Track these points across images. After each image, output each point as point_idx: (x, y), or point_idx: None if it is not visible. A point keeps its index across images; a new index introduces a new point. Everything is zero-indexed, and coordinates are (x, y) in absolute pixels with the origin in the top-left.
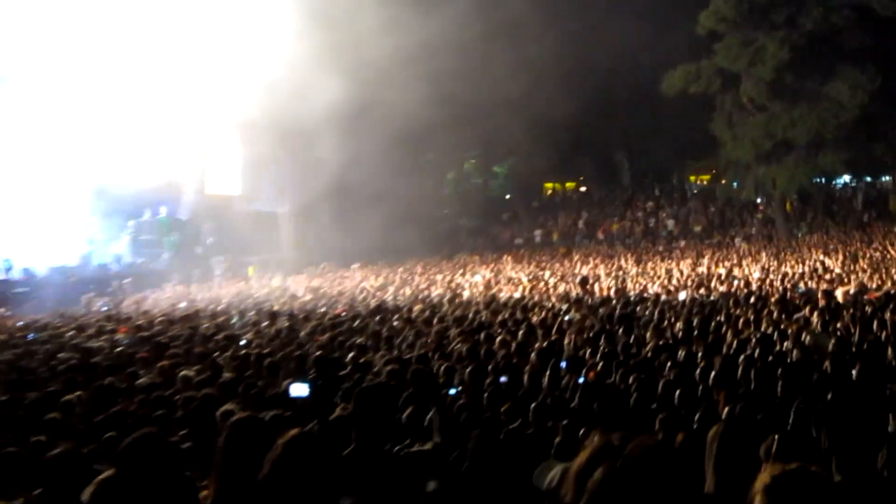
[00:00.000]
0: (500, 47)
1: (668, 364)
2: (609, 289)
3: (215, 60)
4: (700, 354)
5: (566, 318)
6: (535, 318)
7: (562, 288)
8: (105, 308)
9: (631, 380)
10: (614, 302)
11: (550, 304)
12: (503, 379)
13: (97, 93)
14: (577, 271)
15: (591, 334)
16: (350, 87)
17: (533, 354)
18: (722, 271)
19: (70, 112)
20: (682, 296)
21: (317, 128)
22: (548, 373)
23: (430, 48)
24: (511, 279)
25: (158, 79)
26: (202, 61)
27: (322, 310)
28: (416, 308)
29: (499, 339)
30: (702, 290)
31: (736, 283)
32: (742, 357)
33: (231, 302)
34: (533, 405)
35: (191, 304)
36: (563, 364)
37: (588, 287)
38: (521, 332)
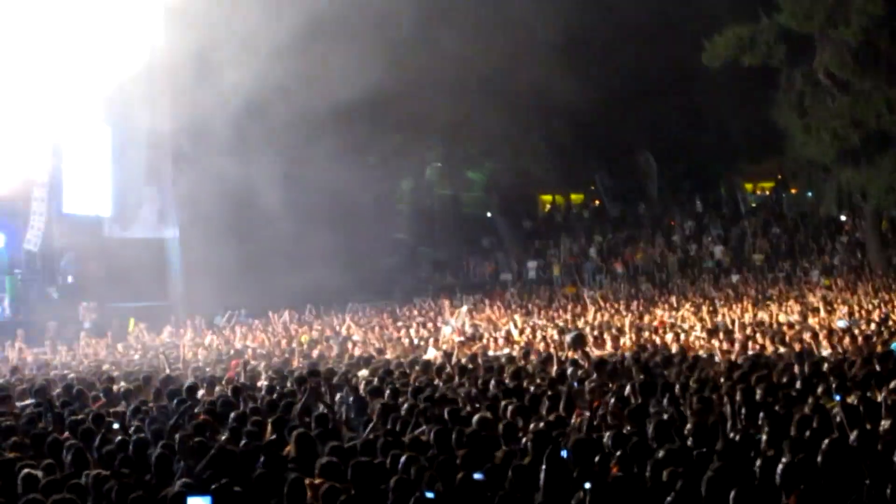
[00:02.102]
0: (475, 5)
1: (717, 454)
2: (632, 345)
3: (78, 41)
4: (763, 439)
5: (574, 384)
6: (530, 388)
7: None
8: None
9: (666, 477)
10: (639, 365)
11: (551, 367)
12: (478, 476)
13: None
14: (589, 319)
15: (609, 409)
16: (258, 67)
17: (525, 439)
18: (792, 318)
19: None
20: (734, 355)
21: (214, 123)
22: (543, 467)
23: (372, 8)
24: (495, 331)
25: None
26: (60, 43)
27: (226, 375)
28: (362, 374)
29: (477, 417)
30: (765, 347)
31: (811, 335)
32: (826, 445)
33: (101, 366)
34: None
35: (42, 368)
36: (565, 453)
37: (585, 348)
38: (509, 409)
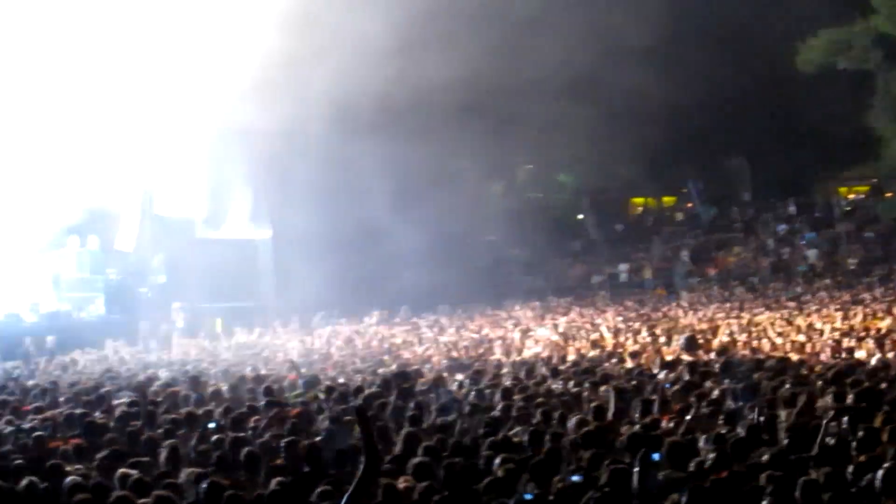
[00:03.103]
0: (566, 9)
1: (813, 458)
2: (724, 348)
3: (177, 56)
4: (853, 444)
5: (666, 386)
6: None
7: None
8: (15, 377)
9: (763, 481)
10: (734, 368)
11: (642, 369)
12: (576, 478)
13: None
14: (683, 323)
15: (703, 411)
16: (353, 70)
17: (618, 442)
18: (883, 324)
19: None
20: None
21: (307, 125)
22: (636, 469)
23: (465, 15)
24: (586, 334)
25: (97, 72)
26: (159, 56)
27: (325, 375)
28: (456, 377)
29: (574, 420)
30: (856, 351)
31: None
32: None
33: (196, 365)
34: None
35: (135, 367)
36: (656, 456)
37: (698, 352)
38: (603, 410)
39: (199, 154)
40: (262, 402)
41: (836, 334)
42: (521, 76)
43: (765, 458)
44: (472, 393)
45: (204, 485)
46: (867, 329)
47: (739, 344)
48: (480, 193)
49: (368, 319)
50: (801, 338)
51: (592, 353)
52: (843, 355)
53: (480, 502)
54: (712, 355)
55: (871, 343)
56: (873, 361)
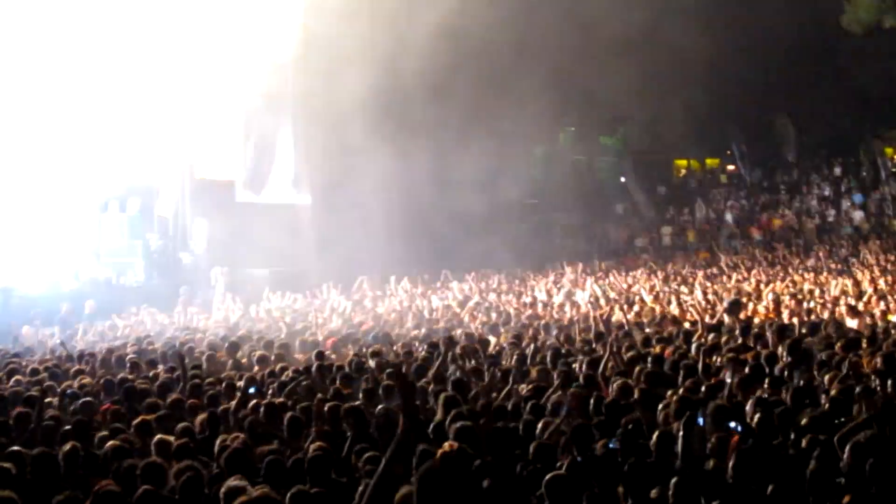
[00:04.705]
0: None
1: (859, 421)
2: (772, 311)
3: (218, 21)
4: None
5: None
6: (665, 352)
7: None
8: (55, 342)
9: (805, 444)
10: (780, 332)
11: (687, 332)
12: (613, 444)
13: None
14: (729, 284)
15: (747, 374)
16: (391, 41)
17: (662, 406)
18: None
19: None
20: (870, 319)
21: (350, 93)
22: (681, 433)
23: None
24: (630, 296)
25: (138, 38)
26: (199, 22)
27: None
28: (496, 339)
29: (617, 384)
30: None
31: None
32: None
33: (234, 331)
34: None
35: (177, 333)
36: (701, 420)
37: (742, 315)
38: (644, 374)
39: (239, 118)
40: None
41: (880, 297)
42: (563, 37)
43: (804, 421)
44: (514, 356)
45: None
46: None
47: (784, 308)
48: (523, 156)
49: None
50: (848, 301)
51: (634, 317)
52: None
53: (524, 467)
54: (756, 320)
55: None
56: None
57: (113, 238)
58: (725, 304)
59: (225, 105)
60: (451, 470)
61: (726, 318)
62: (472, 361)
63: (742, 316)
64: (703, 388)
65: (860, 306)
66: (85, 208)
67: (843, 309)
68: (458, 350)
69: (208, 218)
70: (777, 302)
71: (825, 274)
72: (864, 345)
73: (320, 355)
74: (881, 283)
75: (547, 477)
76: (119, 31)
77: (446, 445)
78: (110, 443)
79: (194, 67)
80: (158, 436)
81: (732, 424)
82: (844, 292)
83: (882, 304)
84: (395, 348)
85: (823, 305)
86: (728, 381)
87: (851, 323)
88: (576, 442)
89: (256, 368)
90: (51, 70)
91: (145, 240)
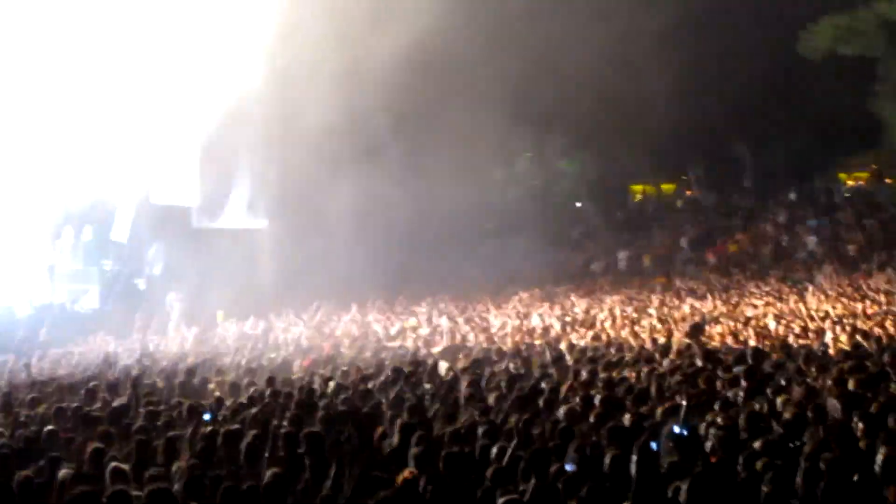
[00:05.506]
0: None
1: (812, 445)
2: (728, 336)
3: (173, 45)
4: (861, 430)
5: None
6: (623, 376)
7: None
8: (16, 366)
9: (761, 466)
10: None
11: (643, 356)
12: (570, 467)
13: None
14: (682, 312)
15: (703, 399)
16: (350, 64)
17: (618, 430)
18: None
19: None
20: (828, 337)
21: (306, 118)
22: (635, 458)
23: (464, 3)
24: (587, 320)
25: (92, 61)
26: (154, 45)
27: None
28: (448, 365)
29: (573, 407)
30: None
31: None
32: None
33: (194, 358)
34: None
35: (132, 359)
36: (654, 445)
37: (702, 337)
38: (598, 398)
39: (195, 144)
40: (266, 391)
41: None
42: (520, 63)
43: (757, 444)
44: (467, 382)
45: (194, 477)
46: (867, 314)
47: (740, 331)
48: (481, 181)
49: (363, 309)
50: (801, 324)
51: (590, 342)
52: (843, 340)
53: (480, 491)
54: (713, 343)
55: (875, 328)
56: (875, 345)
57: (68, 263)
58: (685, 328)
59: (181, 130)
60: (410, 496)
61: (684, 342)
62: (429, 386)
63: (700, 339)
64: (657, 412)
65: (813, 329)
66: (40, 233)
67: (797, 332)
68: (415, 375)
69: (164, 243)
70: (734, 326)
71: (780, 298)
72: (817, 368)
73: (271, 381)
74: (835, 307)
75: (501, 501)
76: (78, 55)
77: (406, 472)
78: (64, 471)
79: (151, 91)
80: (113, 464)
81: (676, 430)
82: (798, 316)
83: (837, 328)
84: (351, 374)
85: (779, 329)
86: (683, 404)
87: (805, 346)
88: (533, 466)
89: (218, 394)
90: (4, 93)
91: (100, 265)
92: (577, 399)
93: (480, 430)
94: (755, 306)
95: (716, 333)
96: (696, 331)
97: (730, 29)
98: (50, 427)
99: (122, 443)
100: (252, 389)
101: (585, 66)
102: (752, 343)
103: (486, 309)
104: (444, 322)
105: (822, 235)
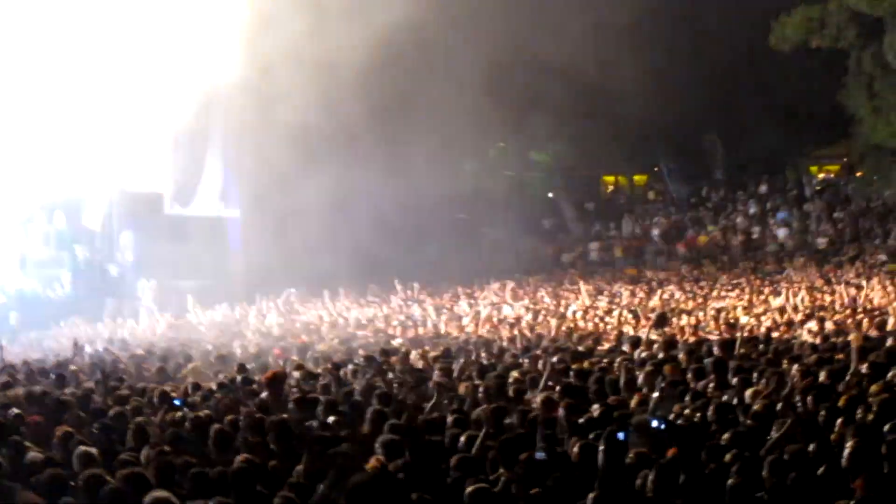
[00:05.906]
0: None
1: (780, 436)
2: (696, 326)
3: (146, 30)
4: (823, 421)
5: (639, 364)
6: (593, 367)
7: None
8: None
9: (729, 458)
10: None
11: (612, 347)
12: (540, 455)
13: None
14: (651, 303)
15: (670, 390)
16: (326, 50)
17: (583, 420)
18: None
19: None
20: (805, 331)
21: (280, 105)
22: (602, 448)
23: None
24: (555, 311)
25: (63, 48)
26: (127, 31)
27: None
28: (419, 354)
29: (541, 397)
30: (825, 326)
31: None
32: (890, 429)
33: (165, 344)
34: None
35: (103, 345)
36: (622, 435)
37: (668, 328)
38: (568, 388)
39: (167, 131)
40: (236, 379)
41: (804, 313)
42: (494, 55)
43: (725, 437)
44: (438, 371)
45: (163, 463)
46: (839, 307)
47: (709, 322)
48: (453, 172)
49: (335, 297)
50: (772, 316)
51: (561, 332)
52: (813, 333)
53: (449, 479)
54: (682, 334)
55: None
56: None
57: (40, 249)
58: (651, 319)
59: (153, 117)
60: (379, 484)
61: (652, 333)
62: (401, 375)
63: (667, 331)
64: (626, 403)
65: (783, 322)
66: (11, 219)
67: (767, 324)
68: (387, 364)
69: (136, 230)
70: (703, 317)
71: (749, 290)
72: (787, 360)
73: (243, 368)
74: (803, 299)
75: (469, 489)
76: (51, 42)
77: (373, 460)
78: (32, 454)
79: (123, 79)
80: (82, 448)
81: (655, 423)
82: (768, 308)
83: (809, 320)
84: (320, 362)
85: (748, 321)
86: (651, 395)
87: (775, 338)
88: (502, 455)
89: (189, 381)
90: None
91: (72, 251)
92: (547, 389)
93: (450, 419)
94: (725, 298)
95: (685, 325)
96: (661, 321)
97: (701, 21)
98: (15, 411)
99: (91, 428)
100: (222, 376)
101: (559, 57)
102: (719, 335)
103: (457, 298)
104: (415, 311)
105: (793, 228)
